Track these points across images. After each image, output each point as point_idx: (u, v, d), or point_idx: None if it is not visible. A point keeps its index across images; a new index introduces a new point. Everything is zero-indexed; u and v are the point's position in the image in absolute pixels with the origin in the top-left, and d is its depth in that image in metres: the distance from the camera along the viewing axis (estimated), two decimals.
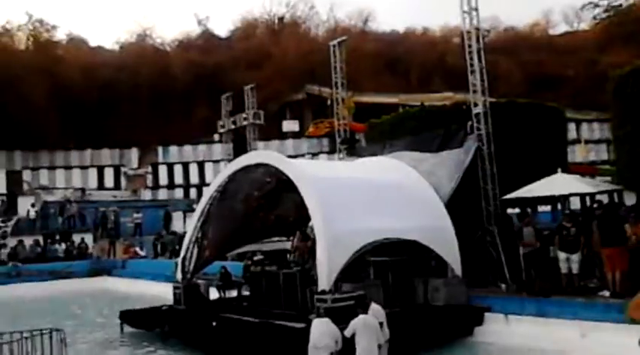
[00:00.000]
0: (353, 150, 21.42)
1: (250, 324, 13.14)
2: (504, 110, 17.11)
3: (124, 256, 31.28)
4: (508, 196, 15.55)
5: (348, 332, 9.84)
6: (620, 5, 61.25)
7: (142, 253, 31.49)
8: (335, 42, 22.77)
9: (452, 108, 18.83)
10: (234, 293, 17.85)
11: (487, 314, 13.07)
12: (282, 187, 15.58)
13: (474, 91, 16.46)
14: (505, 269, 14.82)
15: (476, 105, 16.32)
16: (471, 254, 14.42)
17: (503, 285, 14.58)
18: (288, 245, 18.60)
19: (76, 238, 33.26)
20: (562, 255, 13.32)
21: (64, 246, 32.47)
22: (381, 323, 10.72)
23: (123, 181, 49.19)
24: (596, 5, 63.17)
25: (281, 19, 66.89)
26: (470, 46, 16.72)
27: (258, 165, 15.09)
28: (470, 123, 16.32)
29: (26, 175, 46.54)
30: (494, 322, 12.82)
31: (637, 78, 14.60)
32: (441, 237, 13.93)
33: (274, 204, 17.29)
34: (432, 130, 17.66)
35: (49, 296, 24.93)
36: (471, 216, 15.65)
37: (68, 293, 25.56)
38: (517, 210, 19.01)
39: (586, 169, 34.30)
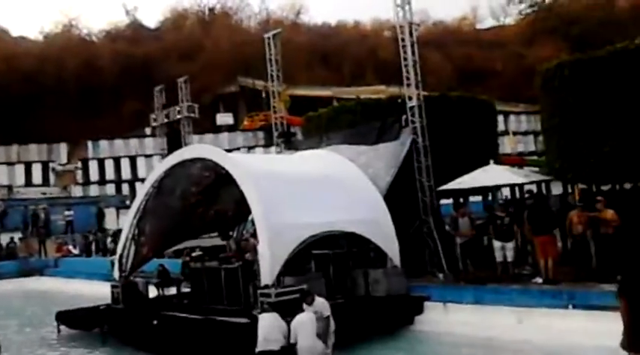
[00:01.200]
0: (290, 143, 21.46)
1: (193, 321, 13.04)
2: (437, 103, 17.45)
3: (56, 255, 30.39)
4: (442, 187, 15.93)
5: (292, 338, 9.95)
6: (544, 1, 63.46)
7: (76, 251, 30.66)
8: (270, 34, 22.71)
9: (387, 101, 19.08)
10: (173, 291, 17.64)
11: (426, 303, 13.39)
12: (220, 182, 15.47)
13: (408, 85, 16.73)
14: (442, 259, 15.22)
15: (410, 98, 16.61)
16: (408, 245, 14.73)
17: (440, 275, 14.98)
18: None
19: (5, 237, 32.07)
20: (497, 244, 13.78)
21: None
22: (327, 317, 10.87)
23: (52, 177, 47.67)
24: (521, 1, 65.21)
25: (212, 9, 66.27)
26: (403, 40, 16.96)
27: (195, 160, 14.92)
28: (405, 116, 16.61)
29: None
30: (433, 311, 13.14)
31: (563, 72, 15.14)
32: (380, 229, 14.15)
33: (213, 200, 17.14)
34: (368, 123, 17.90)
35: None
36: (407, 208, 15.95)
37: (0, 295, 24.69)
38: (450, 201, 19.55)
39: (515, 160, 35.43)
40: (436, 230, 15.86)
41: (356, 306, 13.20)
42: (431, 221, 15.98)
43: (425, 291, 13.74)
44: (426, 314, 13.21)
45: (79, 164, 48.38)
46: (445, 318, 12.81)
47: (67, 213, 34.63)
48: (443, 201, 18.65)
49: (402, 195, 15.68)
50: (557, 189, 21.86)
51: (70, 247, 30.88)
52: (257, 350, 10.12)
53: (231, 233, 18.84)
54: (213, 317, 12.93)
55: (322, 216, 13.14)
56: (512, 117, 50.86)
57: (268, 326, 10.13)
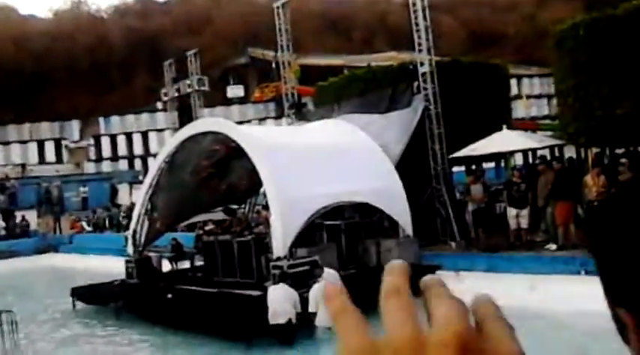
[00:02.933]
0: (301, 114, 21.30)
1: (207, 295, 13.09)
2: (449, 69, 17.21)
3: (70, 231, 30.62)
4: (455, 155, 15.76)
5: (312, 307, 9.97)
6: None
7: (89, 228, 30.88)
8: (279, 3, 22.38)
9: (398, 68, 18.84)
10: (186, 265, 17.71)
11: (439, 272, 13.29)
12: (231, 155, 15.40)
13: (420, 51, 16.49)
14: (454, 227, 15.10)
15: (422, 64, 16.37)
16: (420, 213, 14.62)
17: (452, 243, 14.88)
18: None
19: (19, 216, 32.34)
20: (512, 211, 13.60)
21: (4, 224, 31.57)
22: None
23: (65, 154, 47.89)
24: None
25: None
26: (414, 5, 16.68)
27: (206, 133, 14.86)
28: (416, 83, 16.39)
29: None
30: (445, 279, 12.90)
31: (578, 32, 14.80)
32: (392, 198, 14.05)
33: (225, 173, 17.09)
34: (379, 91, 17.69)
35: None
36: (419, 176, 15.83)
37: (15, 273, 24.91)
38: (463, 169, 19.39)
39: (528, 124, 35.02)
40: (448, 198, 15.73)
41: (368, 276, 13.16)
42: (443, 189, 15.85)
43: (437, 260, 13.67)
44: None
45: (92, 140, 48.52)
46: (458, 286, 12.65)
47: (82, 189, 34.84)
48: (455, 169, 18.47)
49: (413, 164, 15.54)
50: (570, 153, 21.54)
51: (84, 223, 31.08)
52: (269, 322, 10.17)
53: (237, 207, 18.81)
54: (226, 290, 12.97)
55: (333, 186, 13.04)
56: (525, 81, 50.12)
57: (276, 298, 10.15)
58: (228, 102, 50.37)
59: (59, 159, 47.10)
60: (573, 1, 48.01)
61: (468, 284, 12.55)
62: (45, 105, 47.17)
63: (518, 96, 41.23)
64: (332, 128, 16.37)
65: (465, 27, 54.92)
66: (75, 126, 49.67)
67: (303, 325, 10.25)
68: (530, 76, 50.70)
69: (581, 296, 10.42)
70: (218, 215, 19.50)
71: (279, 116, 44.52)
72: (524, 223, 13.53)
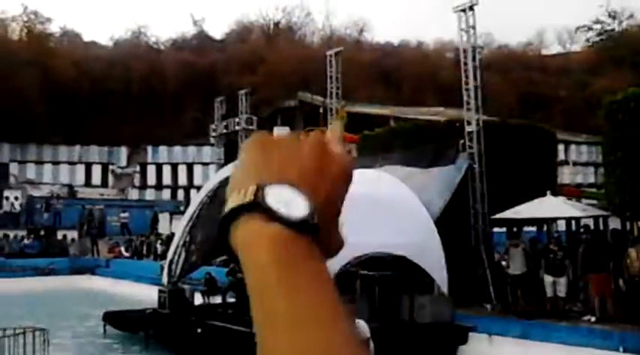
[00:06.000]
0: None
1: (236, 333, 13.11)
2: (496, 130, 17.25)
3: (108, 255, 31.08)
4: (497, 216, 15.66)
5: None
6: (613, 30, 62.03)
7: (127, 253, 31.30)
8: (332, 52, 22.89)
9: (445, 124, 18.94)
10: (218, 300, 17.78)
11: (471, 334, 13.12)
12: None
13: (468, 109, 16.58)
14: (491, 289, 14.92)
15: (469, 123, 16.44)
16: (458, 272, 14.48)
17: (488, 305, 14.68)
18: None
19: (60, 235, 33.03)
20: (548, 279, 13.42)
21: (46, 242, 32.25)
22: (367, 339, 10.77)
23: (110, 179, 48.87)
24: (590, 28, 63.88)
25: (277, 24, 66.94)
26: (466, 64, 16.85)
27: None
28: (462, 141, 16.44)
29: (13, 168, 46.19)
30: (478, 342, 12.88)
31: (629, 105, 14.75)
32: (429, 254, 13.96)
33: None
34: (424, 146, 17.78)
35: (32, 293, 24.70)
36: (459, 234, 15.73)
37: (51, 291, 25.33)
38: (503, 230, 19.18)
39: (572, 191, 34.54)
40: (487, 259, 15.58)
41: (399, 331, 13.05)
42: (482, 249, 15.72)
43: (471, 321, 13.48)
44: (470, 344, 12.95)
45: (138, 168, 49.49)
46: (489, 351, 12.53)
47: (122, 214, 35.44)
48: (495, 229, 18.32)
49: (454, 221, 15.46)
50: (615, 225, 21.15)
51: (122, 249, 31.53)
52: None
53: None
54: None
55: (371, 236, 13.04)
56: (572, 147, 49.67)
57: None
58: None
59: (104, 183, 48.08)
60: (628, 71, 47.70)
61: (499, 349, 12.38)
62: (96, 130, 48.42)
63: (565, 163, 40.84)
64: (374, 178, 16.42)
65: (514, 88, 54.84)
66: (123, 152, 50.79)
67: None
68: (578, 143, 50.21)
69: None
70: None
71: None
72: (561, 291, 13.31)
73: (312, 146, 0.72)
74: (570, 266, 13.57)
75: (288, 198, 0.65)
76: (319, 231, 0.66)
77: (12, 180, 44.57)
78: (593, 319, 12.33)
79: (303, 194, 0.66)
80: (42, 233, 32.98)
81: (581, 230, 15.17)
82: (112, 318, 16.05)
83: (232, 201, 0.68)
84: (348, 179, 0.75)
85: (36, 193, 40.53)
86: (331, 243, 0.70)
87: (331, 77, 22.35)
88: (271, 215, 0.64)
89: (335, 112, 22.70)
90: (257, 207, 0.65)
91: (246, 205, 0.66)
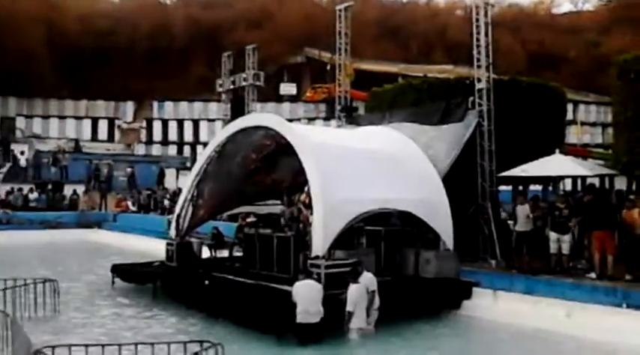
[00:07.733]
0: (352, 118, 21.37)
1: (243, 285, 13.29)
2: (506, 87, 17.08)
3: (115, 209, 31.31)
4: (504, 174, 15.65)
5: (350, 307, 10.12)
6: None
7: (134, 208, 31.52)
8: (342, 7, 22.51)
9: (454, 82, 18.77)
10: (225, 254, 17.97)
11: (475, 289, 13.24)
12: (280, 151, 15.57)
13: (478, 66, 16.42)
14: (496, 246, 15.01)
15: (479, 80, 16.30)
16: (463, 229, 14.55)
17: (493, 261, 14.79)
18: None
19: (68, 189, 33.22)
20: (553, 235, 13.47)
21: (54, 196, 32.47)
22: (373, 292, 10.92)
23: (117, 134, 49.00)
24: None
25: None
26: (477, 21, 16.62)
27: (258, 128, 15.05)
28: (471, 98, 16.32)
29: (20, 122, 46.26)
30: (482, 297, 12.99)
31: None
32: (435, 210, 14.01)
33: (271, 168, 17.29)
34: (433, 103, 17.67)
35: (41, 246, 25.02)
36: (465, 191, 15.76)
37: (59, 244, 25.67)
38: (509, 188, 19.20)
39: (580, 151, 34.52)
40: (493, 216, 15.64)
41: (404, 285, 13.19)
42: (488, 206, 15.76)
43: (475, 277, 13.58)
44: (475, 299, 13.06)
45: (144, 123, 49.52)
46: (493, 306, 12.65)
47: (128, 170, 35.59)
48: (501, 187, 18.33)
49: (461, 178, 15.48)
50: (620, 185, 21.13)
51: (129, 203, 31.74)
52: (297, 320, 10.25)
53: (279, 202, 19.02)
54: (262, 282, 13.15)
55: (378, 192, 13.10)
56: (581, 107, 49.36)
57: (308, 297, 10.25)
58: (280, 99, 50.75)
59: (111, 138, 48.24)
60: (638, 31, 46.97)
61: (504, 305, 12.51)
62: (102, 85, 48.32)
63: (573, 122, 40.61)
64: (382, 134, 16.41)
65: (525, 47, 54.21)
66: (129, 107, 50.74)
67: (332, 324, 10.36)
68: (587, 103, 49.86)
69: (619, 329, 10.30)
70: (260, 208, 19.75)
71: (328, 117, 44.69)
72: (565, 249, 13.37)
73: None
74: (576, 225, 13.61)
75: None
76: None
77: (18, 134, 44.68)
78: (594, 276, 12.42)
79: None
80: (49, 187, 33.18)
81: (583, 190, 15.18)
82: (120, 270, 16.23)
83: None
84: None
85: (42, 147, 40.63)
86: None
87: (340, 33, 22.02)
88: None
89: (343, 68, 22.48)
90: None
91: None
